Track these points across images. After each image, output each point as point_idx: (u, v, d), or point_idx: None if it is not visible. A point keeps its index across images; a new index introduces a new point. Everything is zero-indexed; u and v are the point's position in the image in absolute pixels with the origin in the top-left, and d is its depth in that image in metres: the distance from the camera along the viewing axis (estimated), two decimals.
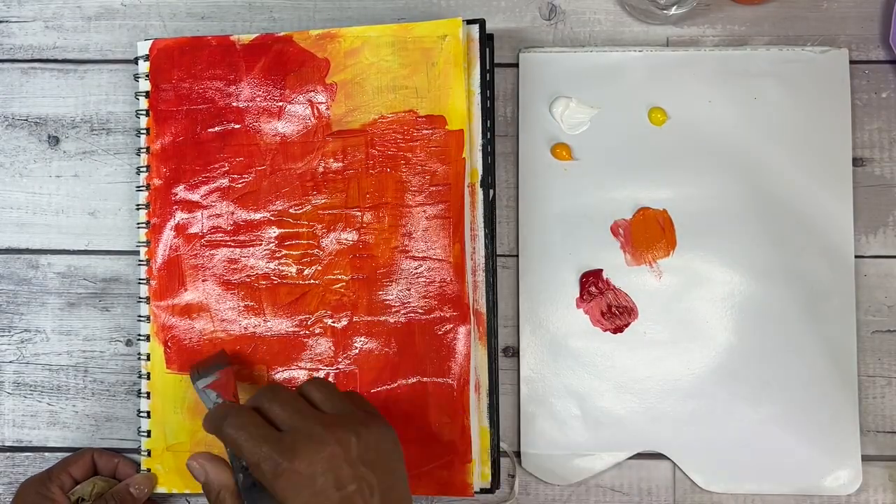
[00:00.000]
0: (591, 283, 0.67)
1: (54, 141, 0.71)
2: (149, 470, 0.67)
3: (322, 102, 0.66)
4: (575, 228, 0.68)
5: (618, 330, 0.67)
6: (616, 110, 0.68)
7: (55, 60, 0.72)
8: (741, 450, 0.66)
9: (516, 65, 0.69)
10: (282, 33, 0.68)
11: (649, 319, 0.67)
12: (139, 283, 0.68)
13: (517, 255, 0.68)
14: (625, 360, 0.67)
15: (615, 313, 0.67)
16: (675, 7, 0.66)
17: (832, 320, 0.66)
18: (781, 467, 0.65)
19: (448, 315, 0.64)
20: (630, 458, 0.66)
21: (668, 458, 0.66)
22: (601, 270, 0.67)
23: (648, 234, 0.67)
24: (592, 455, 0.66)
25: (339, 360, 0.65)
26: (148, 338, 0.67)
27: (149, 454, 0.67)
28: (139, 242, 0.68)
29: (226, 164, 0.67)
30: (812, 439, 0.65)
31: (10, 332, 0.70)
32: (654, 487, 0.67)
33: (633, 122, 0.68)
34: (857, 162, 0.67)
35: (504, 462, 0.67)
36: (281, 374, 0.66)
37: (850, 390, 0.66)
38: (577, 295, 0.67)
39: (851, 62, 0.68)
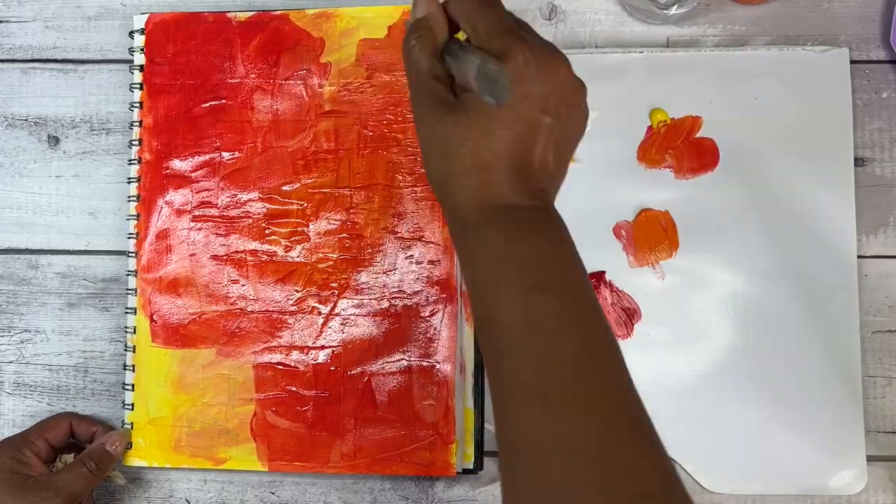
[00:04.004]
0: (594, 285, 0.67)
1: (54, 141, 0.71)
2: (123, 424, 0.67)
3: (315, 82, 0.67)
4: (577, 230, 0.66)
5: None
6: (617, 111, 0.68)
7: (55, 60, 0.72)
8: (746, 451, 0.65)
9: None
10: (278, 11, 0.68)
11: (652, 321, 0.66)
12: (128, 256, 0.68)
13: None
14: (628, 362, 0.66)
15: (618, 315, 0.67)
16: (675, 7, 0.66)
17: (835, 320, 0.66)
18: (786, 468, 0.65)
19: (435, 296, 0.64)
20: None
21: (672, 459, 0.66)
22: (604, 272, 0.67)
23: (651, 235, 0.67)
24: None
25: (324, 338, 0.66)
26: (134, 311, 0.68)
27: (131, 427, 0.67)
28: (129, 216, 0.68)
29: (217, 140, 0.68)
30: (816, 439, 0.65)
31: (10, 332, 0.70)
32: None
33: (634, 122, 0.68)
34: (857, 162, 0.67)
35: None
36: (265, 352, 0.66)
37: (853, 390, 0.65)
38: None
39: (852, 62, 0.68)
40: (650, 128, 0.67)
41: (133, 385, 0.67)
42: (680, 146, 0.67)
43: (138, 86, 0.69)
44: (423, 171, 0.61)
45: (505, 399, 0.43)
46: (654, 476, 0.40)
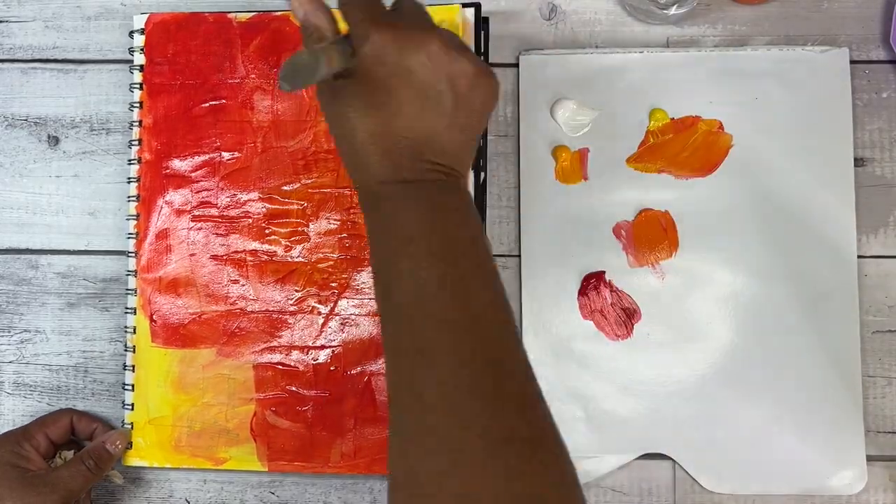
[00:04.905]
0: (594, 286, 0.67)
1: (54, 141, 0.71)
2: (123, 424, 0.67)
3: None
4: (577, 230, 0.67)
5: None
6: (617, 112, 0.68)
7: (55, 60, 0.72)
8: (746, 451, 0.65)
9: (516, 65, 0.69)
10: (278, 12, 0.68)
11: (652, 321, 0.66)
12: (128, 256, 0.68)
13: (519, 256, 0.68)
14: (628, 362, 0.67)
15: (618, 315, 0.67)
16: (675, 7, 0.66)
17: (835, 320, 0.66)
18: (786, 468, 0.65)
19: None
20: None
21: (670, 459, 0.66)
22: (604, 272, 0.67)
23: (651, 235, 0.67)
24: (597, 458, 0.66)
25: (324, 338, 0.66)
26: (134, 311, 0.68)
27: (131, 427, 0.67)
28: (129, 216, 0.69)
29: (217, 140, 0.68)
30: (816, 439, 0.65)
31: (10, 332, 0.70)
32: (654, 488, 0.67)
33: (634, 122, 0.68)
34: (857, 162, 0.67)
35: None
36: (265, 352, 0.66)
37: (853, 390, 0.65)
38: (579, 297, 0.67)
39: (852, 62, 0.68)
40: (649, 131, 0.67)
41: (133, 385, 0.67)
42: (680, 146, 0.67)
43: (138, 86, 0.69)
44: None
45: (389, 355, 0.47)
46: (529, 421, 0.44)
